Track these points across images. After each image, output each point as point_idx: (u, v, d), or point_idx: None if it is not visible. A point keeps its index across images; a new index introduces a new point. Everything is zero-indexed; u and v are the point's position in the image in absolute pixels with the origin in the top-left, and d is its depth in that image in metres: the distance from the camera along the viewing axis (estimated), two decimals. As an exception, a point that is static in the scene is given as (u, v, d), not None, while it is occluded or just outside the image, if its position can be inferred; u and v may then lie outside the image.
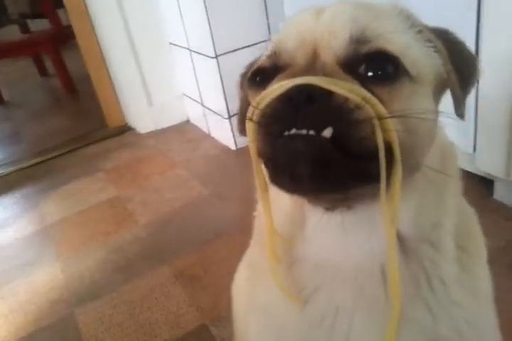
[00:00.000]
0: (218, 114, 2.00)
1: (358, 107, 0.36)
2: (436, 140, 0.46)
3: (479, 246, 0.53)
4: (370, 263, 0.46)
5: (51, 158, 2.34)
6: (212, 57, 1.82)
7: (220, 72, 1.85)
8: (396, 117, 0.38)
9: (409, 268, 0.46)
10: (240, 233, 1.34)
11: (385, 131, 0.37)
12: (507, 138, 1.18)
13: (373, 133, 0.36)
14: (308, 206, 0.46)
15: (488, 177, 1.39)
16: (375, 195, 0.39)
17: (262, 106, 0.38)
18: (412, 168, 0.42)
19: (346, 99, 0.36)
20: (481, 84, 1.20)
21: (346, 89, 0.36)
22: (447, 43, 0.45)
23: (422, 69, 0.43)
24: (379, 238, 0.45)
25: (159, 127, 2.40)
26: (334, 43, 0.41)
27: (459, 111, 0.45)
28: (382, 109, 0.37)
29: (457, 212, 0.49)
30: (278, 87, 0.37)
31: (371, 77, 0.40)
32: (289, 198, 0.47)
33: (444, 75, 0.45)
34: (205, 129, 2.26)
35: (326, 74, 0.38)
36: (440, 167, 0.46)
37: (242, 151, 1.99)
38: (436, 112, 0.46)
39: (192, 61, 2.09)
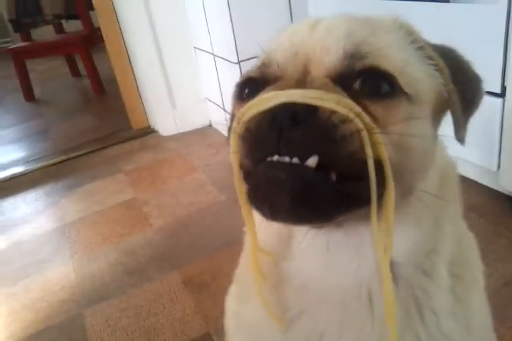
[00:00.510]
0: (239, 120, 2.00)
1: (344, 121, 0.34)
2: (436, 161, 0.43)
3: (476, 275, 0.50)
4: (357, 287, 0.44)
5: (75, 157, 2.38)
6: (235, 63, 1.82)
7: (242, 78, 1.84)
8: (386, 134, 0.36)
9: (399, 296, 0.44)
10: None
11: (373, 144, 0.34)
12: (533, 157, 1.13)
13: (362, 147, 0.34)
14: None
15: (512, 195, 1.34)
16: (365, 214, 0.37)
17: (245, 118, 0.36)
18: (404, 190, 0.40)
19: (333, 113, 0.34)
20: (508, 100, 1.16)
21: (333, 100, 0.34)
22: (450, 61, 0.43)
23: (420, 88, 0.40)
24: (367, 260, 0.42)
25: (181, 130, 2.42)
26: (326, 59, 0.39)
27: (459, 135, 0.43)
28: (370, 123, 0.35)
29: (455, 238, 0.46)
30: (261, 101, 0.35)
31: (365, 93, 0.38)
32: None
33: (445, 95, 0.42)
34: (226, 134, 2.25)
35: (315, 88, 0.36)
36: (438, 191, 0.44)
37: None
38: (435, 134, 0.44)
39: (215, 66, 2.09)
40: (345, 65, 0.39)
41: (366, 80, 0.38)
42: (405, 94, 0.39)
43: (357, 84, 0.38)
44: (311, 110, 0.34)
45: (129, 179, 2.05)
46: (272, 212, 0.36)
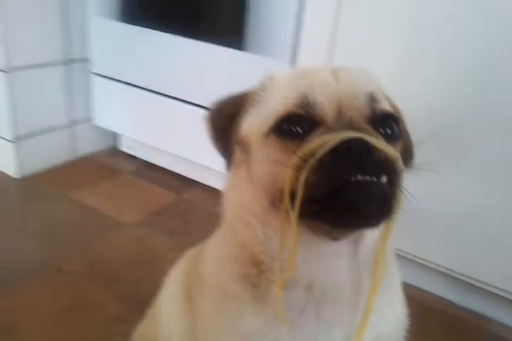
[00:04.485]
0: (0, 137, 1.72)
1: (396, 160, 0.46)
2: None
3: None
4: (350, 284, 0.55)
5: None
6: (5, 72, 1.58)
7: (12, 90, 1.62)
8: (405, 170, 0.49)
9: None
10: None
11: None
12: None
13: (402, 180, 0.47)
14: (311, 236, 0.52)
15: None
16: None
17: (319, 155, 0.44)
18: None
19: (387, 153, 0.45)
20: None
21: (384, 145, 0.46)
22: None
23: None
24: (363, 262, 0.55)
25: None
26: (357, 104, 0.50)
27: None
28: (401, 164, 0.47)
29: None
30: (330, 140, 0.44)
31: (386, 134, 0.51)
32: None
33: None
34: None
35: (360, 129, 0.47)
36: None
37: (29, 181, 1.75)
38: None
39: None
40: (370, 109, 0.51)
41: (384, 122, 0.52)
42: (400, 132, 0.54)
43: (381, 127, 0.51)
44: (372, 147, 0.44)
45: None
46: (353, 218, 0.45)
